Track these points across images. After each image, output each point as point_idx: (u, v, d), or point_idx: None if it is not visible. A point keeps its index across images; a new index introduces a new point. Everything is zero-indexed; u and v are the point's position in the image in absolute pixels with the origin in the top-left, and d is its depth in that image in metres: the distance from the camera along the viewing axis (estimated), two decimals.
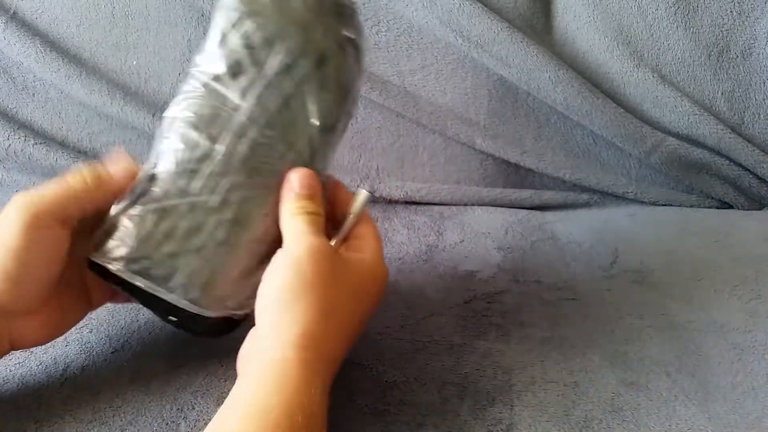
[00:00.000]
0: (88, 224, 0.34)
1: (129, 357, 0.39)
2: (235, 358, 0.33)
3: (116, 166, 0.35)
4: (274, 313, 0.30)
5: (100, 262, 0.33)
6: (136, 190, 0.34)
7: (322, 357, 0.30)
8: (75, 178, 0.33)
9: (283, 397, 0.27)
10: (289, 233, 0.33)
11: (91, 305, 0.38)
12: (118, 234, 0.33)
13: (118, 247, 0.33)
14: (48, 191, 0.32)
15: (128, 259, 0.33)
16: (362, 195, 0.36)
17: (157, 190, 0.33)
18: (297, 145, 0.34)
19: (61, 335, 0.36)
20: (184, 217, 0.33)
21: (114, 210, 0.34)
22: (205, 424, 0.33)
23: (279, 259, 0.32)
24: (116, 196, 0.34)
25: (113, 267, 0.33)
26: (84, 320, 0.43)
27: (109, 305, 0.45)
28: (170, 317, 0.34)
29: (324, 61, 0.34)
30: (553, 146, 0.66)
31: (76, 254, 0.34)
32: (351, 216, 0.36)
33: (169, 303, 0.33)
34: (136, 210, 0.33)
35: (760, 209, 0.66)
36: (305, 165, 0.35)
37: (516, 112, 0.65)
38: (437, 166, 0.66)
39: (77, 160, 0.64)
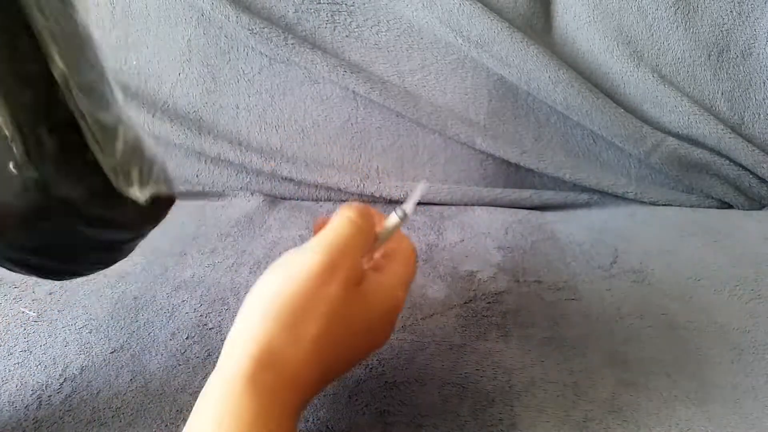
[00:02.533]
0: None
1: (128, 357, 0.39)
2: None
3: None
4: (249, 318, 0.27)
5: None
6: None
7: (287, 382, 0.26)
8: None
9: (229, 427, 0.23)
10: (326, 235, 0.29)
11: None
12: None
13: None
14: None
15: None
16: (394, 218, 0.33)
17: None
18: None
19: None
20: None
21: None
22: None
23: (295, 260, 0.28)
24: None
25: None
26: (83, 320, 0.43)
27: (108, 307, 0.45)
28: None
29: None
30: (553, 146, 0.66)
31: None
32: (380, 239, 0.33)
33: None
34: None
35: (760, 209, 0.66)
36: None
37: (516, 112, 0.65)
38: (437, 166, 0.66)
39: None
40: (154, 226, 0.33)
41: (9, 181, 0.26)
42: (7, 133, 0.25)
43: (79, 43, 0.29)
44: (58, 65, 0.27)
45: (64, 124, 0.27)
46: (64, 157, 0.27)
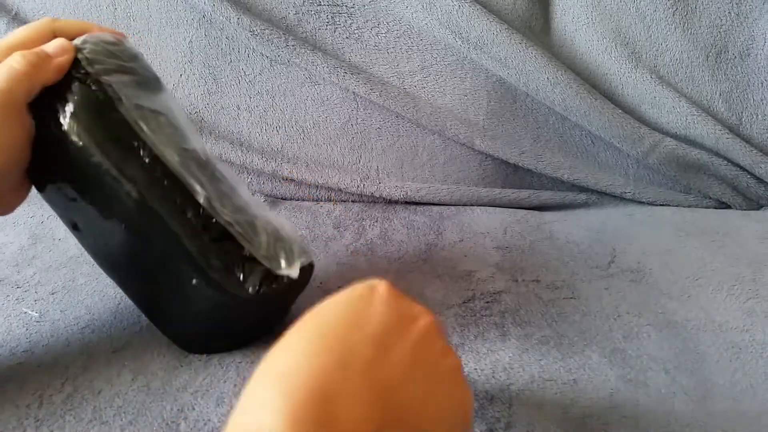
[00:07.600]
0: None
1: (130, 357, 0.39)
2: (234, 359, 0.33)
3: (53, 45, 0.34)
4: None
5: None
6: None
7: None
8: (21, 63, 0.32)
9: None
10: None
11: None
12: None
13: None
14: (4, 81, 0.31)
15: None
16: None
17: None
18: None
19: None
20: None
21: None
22: (205, 424, 0.34)
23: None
24: (56, 73, 0.33)
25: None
26: (86, 320, 0.43)
27: (110, 306, 0.45)
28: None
29: None
30: (552, 147, 0.66)
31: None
32: None
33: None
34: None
35: (757, 209, 0.66)
36: None
37: (515, 113, 0.65)
38: (437, 167, 0.67)
39: None
40: (302, 291, 0.39)
41: (194, 291, 0.35)
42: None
43: (209, 168, 0.37)
44: (200, 193, 0.34)
45: (221, 235, 0.34)
46: (229, 259, 0.34)
